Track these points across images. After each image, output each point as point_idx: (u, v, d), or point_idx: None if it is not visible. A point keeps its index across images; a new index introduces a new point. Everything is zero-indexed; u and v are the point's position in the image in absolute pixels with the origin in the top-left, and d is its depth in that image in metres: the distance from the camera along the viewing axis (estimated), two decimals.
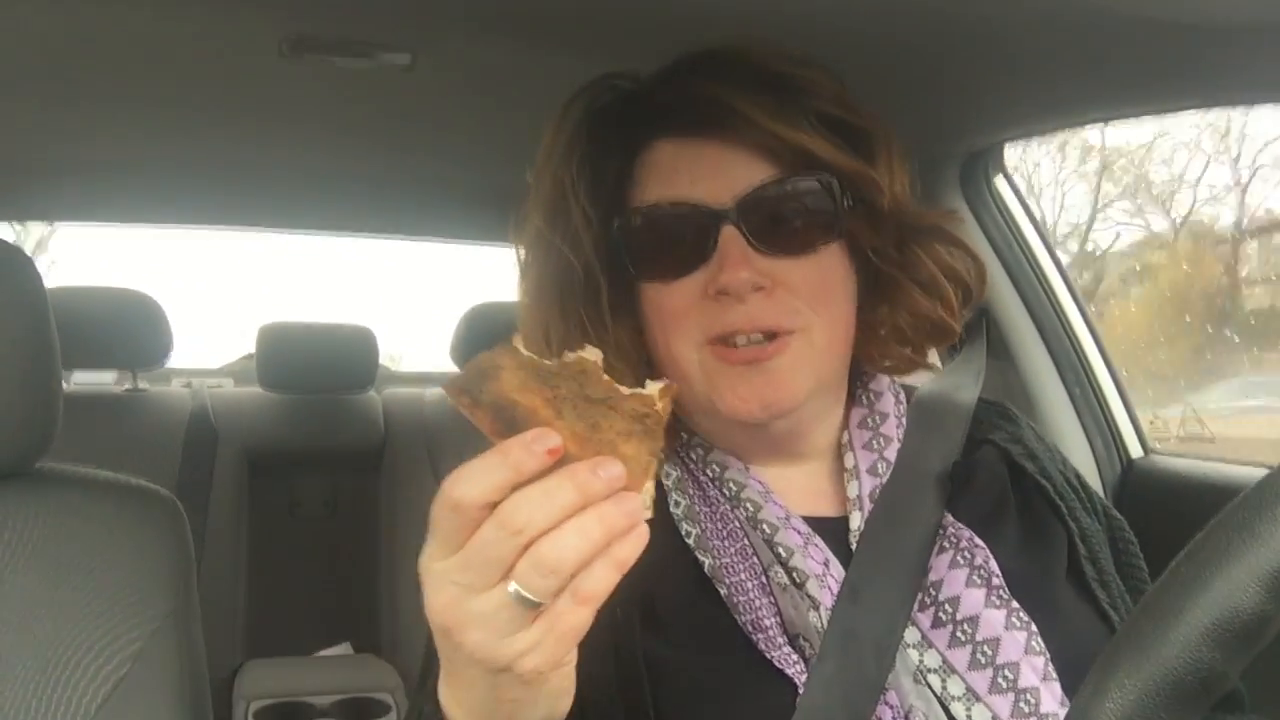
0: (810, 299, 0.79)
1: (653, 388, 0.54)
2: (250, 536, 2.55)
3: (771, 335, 0.78)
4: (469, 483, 0.51)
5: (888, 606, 0.76)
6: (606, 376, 0.54)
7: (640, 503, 0.52)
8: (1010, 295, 1.52)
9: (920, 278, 0.86)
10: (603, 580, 0.51)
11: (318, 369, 2.63)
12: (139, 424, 2.44)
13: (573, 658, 0.54)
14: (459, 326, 2.62)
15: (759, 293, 0.77)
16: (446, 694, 0.58)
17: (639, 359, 0.83)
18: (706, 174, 0.80)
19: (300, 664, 2.47)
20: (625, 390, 0.53)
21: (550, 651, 0.52)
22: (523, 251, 0.88)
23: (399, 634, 2.48)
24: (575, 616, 0.51)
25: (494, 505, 0.51)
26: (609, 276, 0.82)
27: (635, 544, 0.52)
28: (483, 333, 2.60)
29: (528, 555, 0.50)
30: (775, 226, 0.79)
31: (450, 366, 2.72)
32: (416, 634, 2.57)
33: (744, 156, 0.80)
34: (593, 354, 0.54)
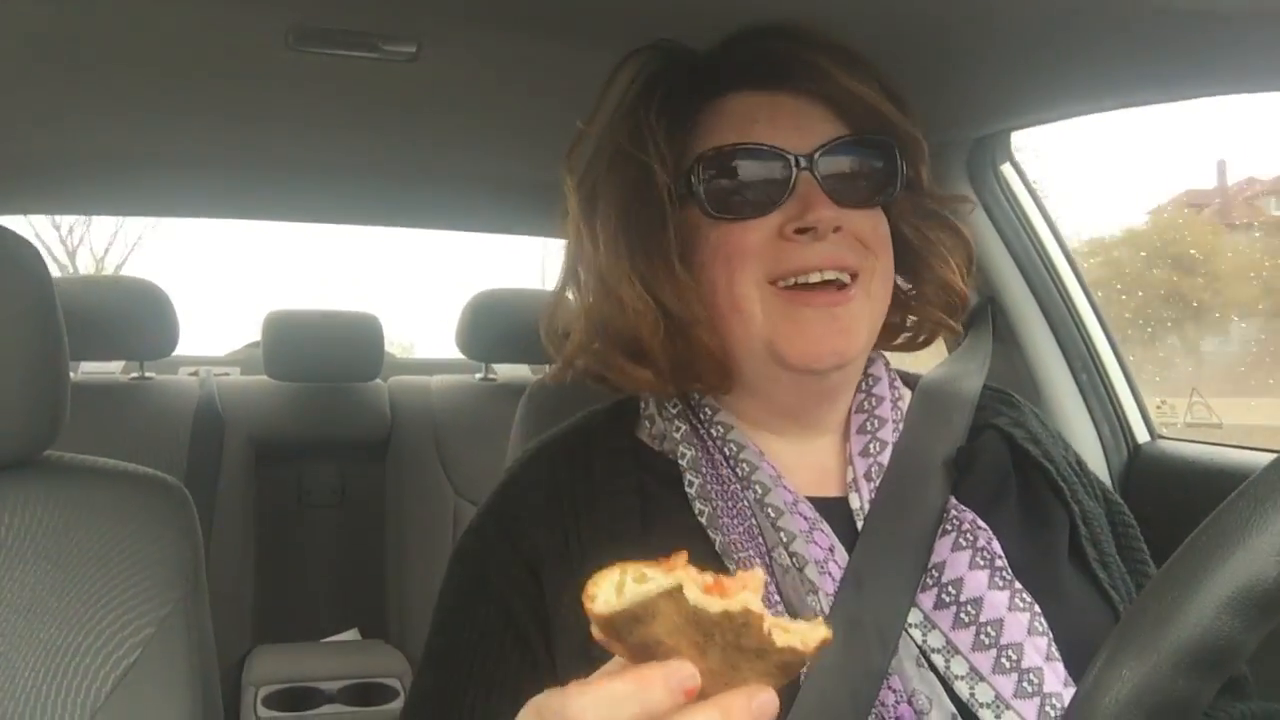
0: (875, 246, 0.84)
1: (810, 637, 0.48)
2: (258, 524, 2.57)
3: (848, 275, 0.82)
4: (595, 711, 0.46)
5: (891, 593, 0.77)
6: (766, 627, 0.47)
7: (769, 700, 0.48)
8: (1017, 282, 1.51)
9: (938, 251, 0.91)
10: None
11: (324, 357, 2.64)
12: (146, 413, 2.45)
13: None
14: (464, 314, 2.62)
15: (837, 233, 0.81)
16: None
17: (699, 303, 0.84)
18: (785, 123, 0.84)
19: (308, 649, 2.48)
20: (779, 643, 0.47)
21: None
22: (584, 196, 0.88)
23: (406, 620, 2.49)
24: None
25: None
26: (677, 217, 0.84)
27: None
28: (487, 320, 2.60)
29: None
30: (847, 177, 0.83)
31: (456, 354, 2.73)
32: (423, 620, 2.59)
33: (819, 110, 0.85)
34: (754, 594, 0.48)
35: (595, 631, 0.48)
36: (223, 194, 2.11)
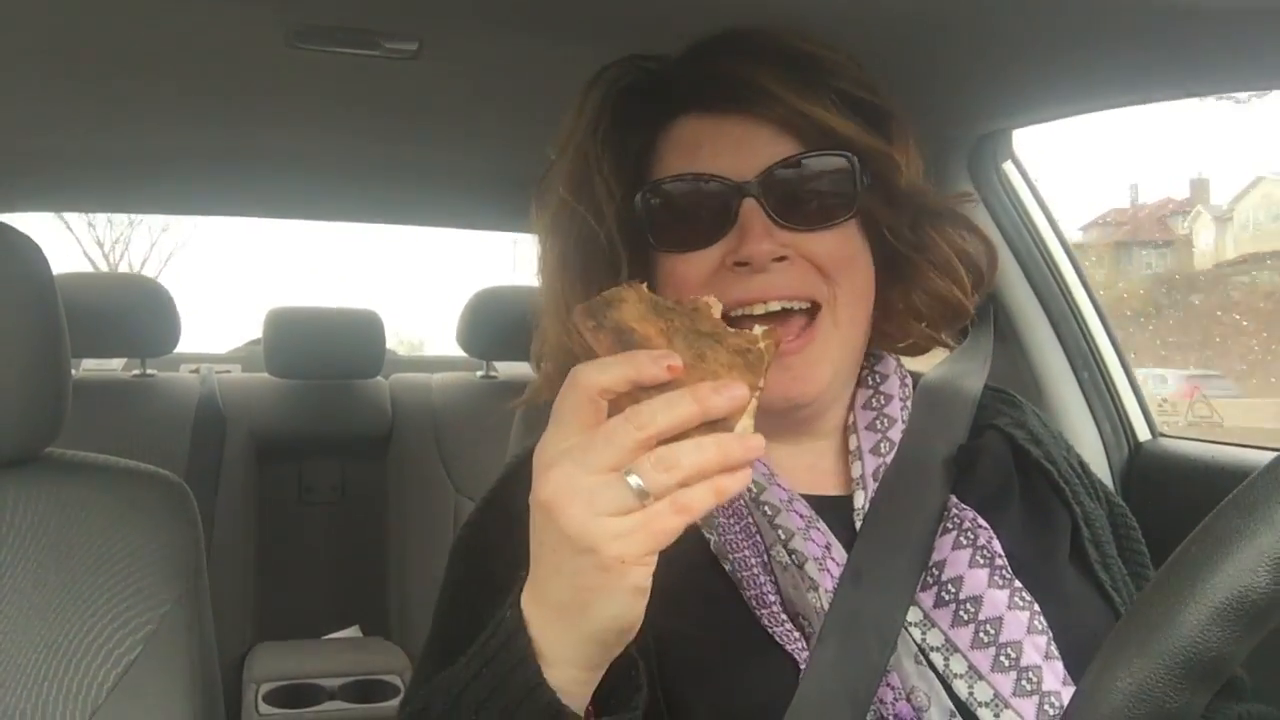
0: (831, 270, 0.81)
1: (758, 330, 0.60)
2: (259, 521, 2.57)
3: (805, 303, 0.80)
4: (599, 370, 0.57)
5: (891, 590, 0.76)
6: (716, 316, 0.60)
7: (757, 443, 0.57)
8: (1018, 280, 1.51)
9: (935, 259, 0.88)
10: (703, 500, 0.56)
11: (325, 354, 2.64)
12: (148, 410, 2.45)
13: (652, 562, 0.57)
14: (465, 311, 2.62)
15: (780, 263, 0.79)
16: (527, 594, 0.62)
17: None
18: (729, 148, 0.81)
19: (309, 646, 2.49)
20: (731, 330, 0.59)
21: (638, 543, 0.56)
22: (542, 228, 0.89)
23: (406, 617, 2.49)
24: (669, 521, 0.55)
25: (613, 397, 0.57)
26: (629, 250, 0.84)
27: (739, 481, 0.56)
28: (488, 317, 2.60)
29: (649, 453, 0.55)
30: (795, 200, 0.80)
31: (458, 351, 2.73)
32: (424, 617, 2.58)
33: (767, 132, 0.82)
34: (708, 298, 0.61)
35: (584, 332, 0.60)
36: (225, 192, 2.11)
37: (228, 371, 2.97)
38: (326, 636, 2.59)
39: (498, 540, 0.85)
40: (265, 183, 2.03)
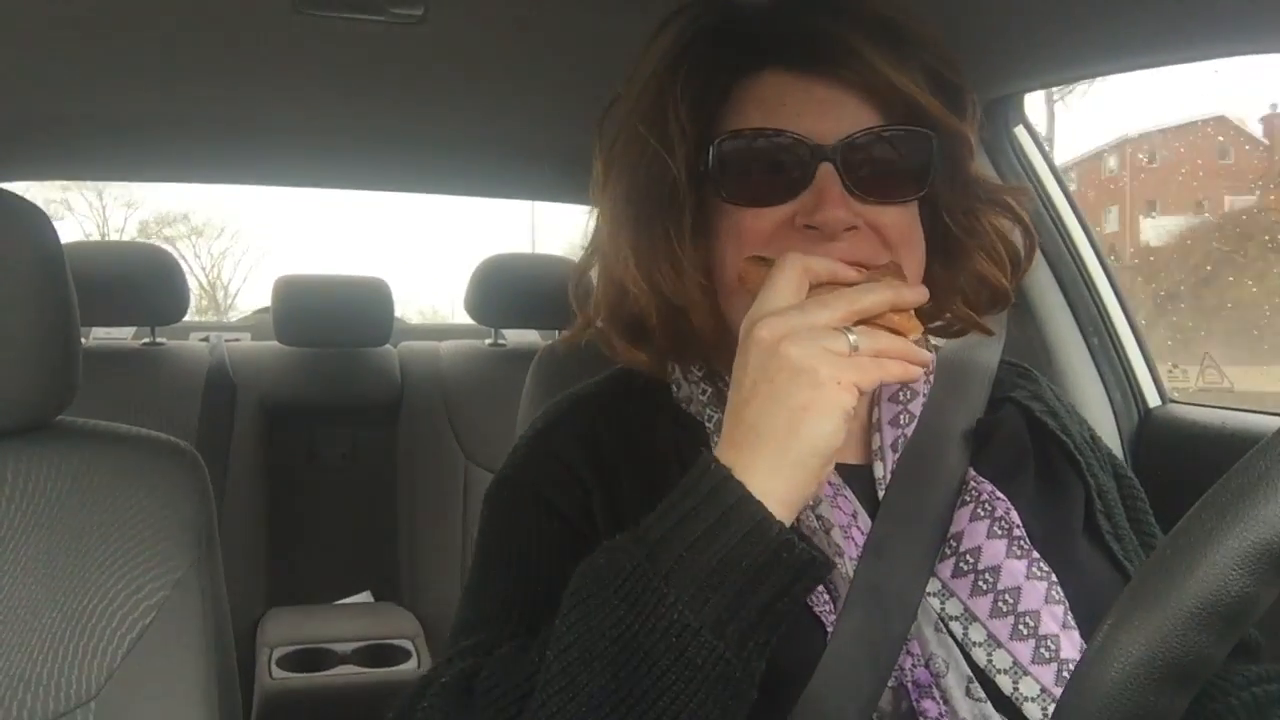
0: (897, 243, 0.80)
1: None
2: (271, 488, 2.59)
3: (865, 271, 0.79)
4: (815, 260, 0.70)
5: (911, 562, 0.77)
6: None
7: (925, 355, 0.71)
8: None
9: (984, 244, 0.88)
10: (894, 369, 0.68)
11: (333, 322, 2.64)
12: (158, 378, 2.46)
13: (856, 394, 0.66)
14: (473, 279, 2.62)
15: (849, 231, 0.78)
16: (725, 446, 0.68)
17: (696, 287, 0.82)
18: (813, 110, 0.80)
19: (322, 611, 2.51)
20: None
21: (850, 370, 0.65)
22: (606, 161, 0.87)
23: (417, 583, 2.52)
24: (871, 370, 0.66)
25: (814, 280, 0.69)
26: (693, 197, 0.82)
27: (915, 372, 0.69)
28: (496, 285, 2.60)
29: (864, 328, 0.68)
30: (872, 172, 0.79)
31: (465, 319, 2.73)
32: (435, 583, 2.61)
33: (853, 99, 0.80)
34: None
35: (754, 271, 0.74)
36: (229, 159, 2.10)
37: (237, 340, 2.98)
38: (338, 602, 2.61)
39: (543, 471, 0.85)
40: (270, 149, 2.02)
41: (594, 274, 0.92)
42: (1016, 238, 0.90)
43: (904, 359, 0.68)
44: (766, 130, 0.80)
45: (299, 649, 2.26)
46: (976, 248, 0.88)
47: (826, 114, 0.79)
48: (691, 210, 0.82)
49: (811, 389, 0.64)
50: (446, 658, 0.79)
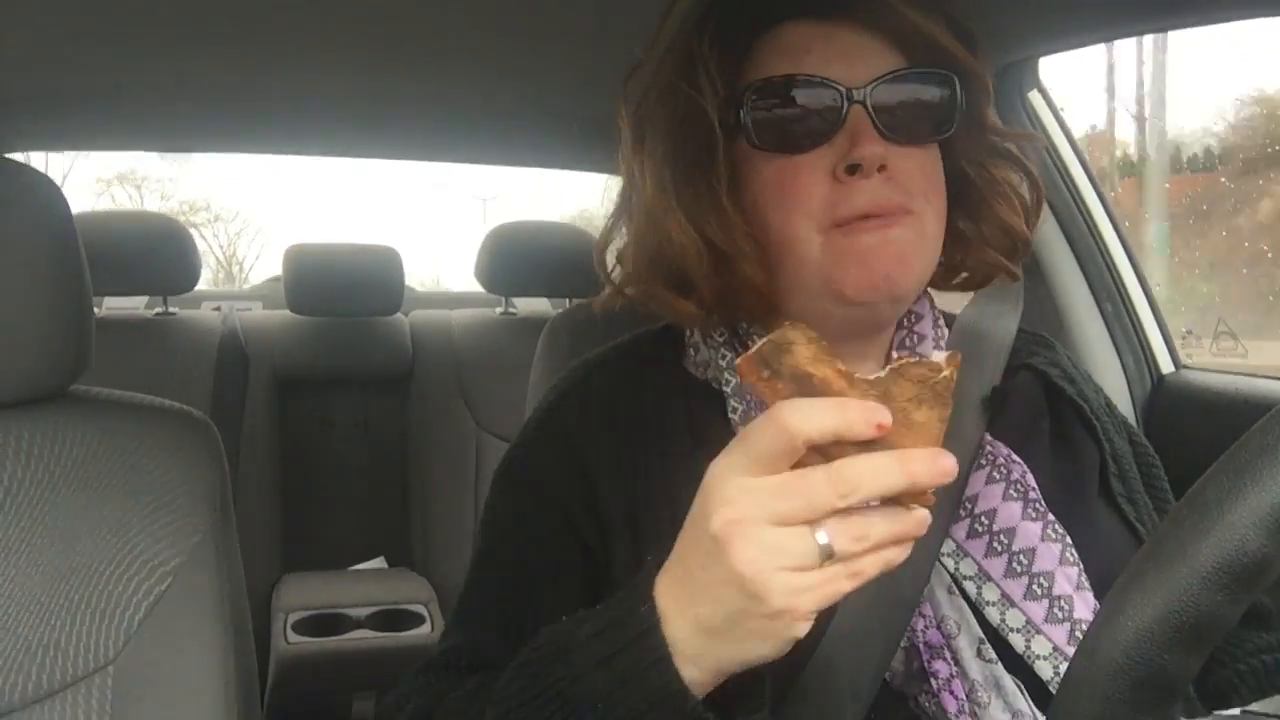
0: (923, 188, 0.81)
1: (939, 356, 0.56)
2: (284, 456, 2.60)
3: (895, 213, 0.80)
4: (806, 418, 0.54)
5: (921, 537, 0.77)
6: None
7: (925, 516, 0.56)
8: (1043, 211, 1.49)
9: (1003, 192, 0.89)
10: (874, 569, 0.56)
11: (345, 291, 2.65)
12: (171, 348, 2.47)
13: (814, 616, 0.56)
14: (483, 247, 2.62)
15: (881, 174, 0.78)
16: (666, 587, 0.60)
17: (744, 238, 0.82)
18: (838, 55, 0.80)
19: (336, 577, 2.54)
20: (911, 358, 0.56)
21: (809, 601, 0.55)
22: (636, 119, 0.87)
23: (430, 549, 2.54)
24: (842, 585, 0.55)
25: (814, 445, 0.55)
26: (730, 151, 0.83)
27: (904, 553, 0.57)
28: (507, 253, 2.60)
29: (845, 517, 0.54)
30: (900, 114, 0.80)
31: (475, 287, 2.73)
32: (447, 549, 2.62)
33: (877, 44, 0.81)
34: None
35: (755, 383, 0.56)
36: (238, 127, 2.09)
37: (249, 309, 2.99)
38: (352, 567, 2.64)
39: (552, 456, 0.86)
40: (280, 118, 2.02)
41: (615, 247, 0.93)
42: (1025, 190, 0.91)
43: (900, 539, 0.56)
44: (797, 76, 0.80)
45: (314, 614, 2.29)
46: (996, 196, 0.88)
47: (852, 59, 0.80)
48: (729, 164, 0.82)
49: (761, 618, 0.55)
50: (425, 663, 0.84)
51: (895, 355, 0.54)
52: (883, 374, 0.55)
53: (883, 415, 0.54)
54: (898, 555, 0.56)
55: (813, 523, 0.54)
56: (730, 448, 0.57)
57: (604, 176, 2.36)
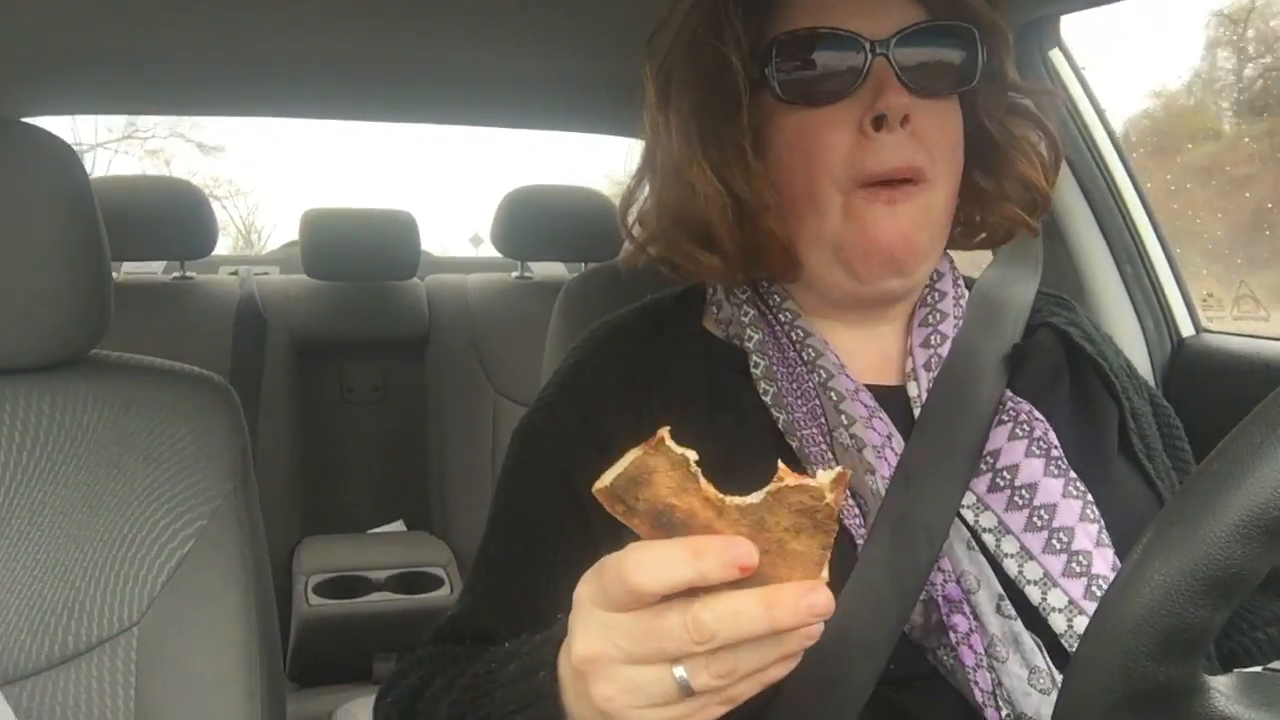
0: (943, 147, 0.82)
1: (823, 478, 0.49)
2: (304, 421, 2.62)
3: (911, 179, 0.80)
4: (652, 574, 0.49)
5: (940, 491, 0.77)
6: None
7: (816, 630, 0.51)
8: (1064, 172, 1.47)
9: (1022, 147, 0.89)
10: (750, 692, 0.52)
11: (361, 255, 2.65)
12: (189, 312, 2.48)
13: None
14: (499, 210, 2.61)
15: (905, 127, 0.79)
16: (564, 666, 0.58)
17: (769, 191, 0.83)
18: (861, 9, 0.81)
19: (356, 540, 2.56)
20: (791, 481, 0.49)
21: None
22: (663, 75, 0.88)
23: (448, 513, 2.56)
24: (713, 711, 0.52)
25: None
26: (755, 105, 0.83)
27: (787, 669, 0.52)
28: (523, 217, 2.59)
29: (706, 657, 0.50)
30: (924, 65, 0.81)
31: (492, 252, 2.73)
32: (465, 513, 2.65)
33: None
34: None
35: (610, 509, 0.50)
36: (253, 91, 2.08)
37: (266, 274, 3.00)
38: (372, 531, 2.66)
39: (567, 426, 0.86)
40: (297, 80, 2.01)
41: (635, 209, 0.93)
42: (1044, 149, 0.91)
43: (780, 660, 0.52)
44: (820, 28, 0.81)
45: (334, 576, 2.31)
46: (1016, 152, 0.88)
47: (874, 11, 0.81)
48: (754, 118, 0.83)
49: None
50: (434, 631, 0.87)
51: (779, 476, 0.48)
52: (757, 500, 0.49)
53: (746, 554, 0.48)
54: (779, 672, 0.52)
55: (671, 662, 0.50)
56: (589, 575, 0.53)
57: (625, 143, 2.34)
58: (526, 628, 0.68)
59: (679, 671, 0.50)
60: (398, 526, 2.69)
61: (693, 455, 0.49)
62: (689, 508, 0.49)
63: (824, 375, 0.83)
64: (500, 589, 0.86)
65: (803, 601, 0.48)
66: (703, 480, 0.49)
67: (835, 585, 0.73)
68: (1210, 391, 1.39)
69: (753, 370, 0.85)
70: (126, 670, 0.94)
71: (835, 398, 0.81)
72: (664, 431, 0.49)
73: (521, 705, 0.61)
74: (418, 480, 2.68)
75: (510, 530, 0.88)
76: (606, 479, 0.49)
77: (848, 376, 0.83)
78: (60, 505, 0.97)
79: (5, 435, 0.98)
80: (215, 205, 2.62)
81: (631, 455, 0.49)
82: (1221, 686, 0.51)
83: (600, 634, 0.52)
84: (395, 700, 0.79)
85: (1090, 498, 0.79)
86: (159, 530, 0.98)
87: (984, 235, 0.93)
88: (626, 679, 0.51)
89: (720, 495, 0.49)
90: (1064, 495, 0.78)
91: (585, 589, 0.53)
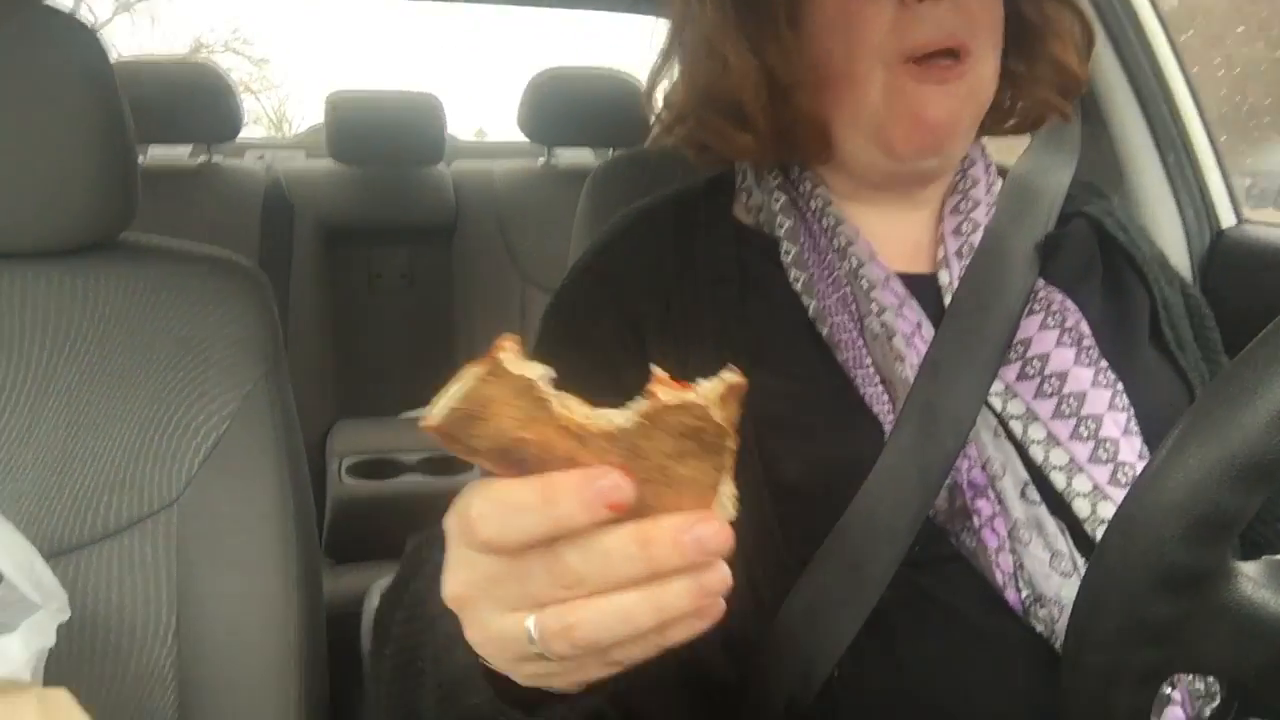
0: (984, 24, 0.79)
1: (707, 391, 0.39)
2: (333, 307, 2.64)
3: (955, 54, 0.77)
4: (497, 528, 0.40)
5: (968, 383, 0.77)
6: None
7: (722, 577, 0.41)
8: (1107, 55, 1.43)
9: (1058, 29, 0.86)
10: (636, 655, 0.42)
11: (386, 138, 2.63)
12: (216, 197, 2.48)
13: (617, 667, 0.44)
14: (525, 94, 2.57)
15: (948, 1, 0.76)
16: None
17: (805, 67, 0.81)
18: None
19: (388, 424, 2.61)
20: (667, 398, 0.39)
21: (559, 683, 0.46)
22: None
23: None
24: (588, 671, 0.44)
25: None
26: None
27: (694, 626, 0.42)
28: (550, 100, 2.55)
29: (560, 617, 0.40)
30: None
31: (519, 137, 2.69)
32: None
33: None
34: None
35: (448, 447, 0.41)
36: None
37: (291, 158, 2.98)
38: (403, 415, 2.71)
39: (600, 303, 0.86)
40: None
41: (660, 92, 0.91)
42: (1078, 34, 0.88)
43: (668, 630, 0.41)
44: None
45: (367, 458, 2.36)
46: (1050, 34, 0.86)
47: None
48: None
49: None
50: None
51: (652, 386, 0.38)
52: (627, 424, 0.39)
53: (612, 488, 0.38)
54: (683, 631, 0.42)
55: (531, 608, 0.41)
56: (456, 503, 0.43)
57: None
58: None
59: (529, 621, 0.41)
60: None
61: (538, 372, 0.39)
62: (543, 439, 0.39)
63: (855, 262, 0.82)
64: None
65: (685, 536, 0.39)
66: (556, 404, 0.39)
67: (861, 472, 0.74)
68: (1250, 282, 1.36)
69: (783, 257, 0.84)
70: (168, 546, 0.98)
71: (866, 285, 0.81)
72: (504, 343, 0.39)
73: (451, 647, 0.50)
74: (446, 367, 2.69)
75: None
76: (435, 415, 0.40)
77: (879, 264, 0.82)
78: (94, 385, 0.99)
79: (39, 318, 0.99)
80: (248, 98, 2.59)
81: (460, 384, 0.40)
82: (1250, 572, 0.51)
83: (465, 572, 0.43)
84: (384, 595, 0.71)
85: (1120, 386, 0.78)
86: (194, 412, 1.00)
87: (1015, 120, 0.91)
88: (494, 627, 0.43)
89: (581, 421, 0.39)
90: (1093, 384, 0.78)
91: (451, 520, 0.43)
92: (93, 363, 0.99)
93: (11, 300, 0.99)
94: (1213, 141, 1.46)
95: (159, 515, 0.98)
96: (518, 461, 0.40)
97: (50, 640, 0.76)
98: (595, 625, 0.40)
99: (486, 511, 0.40)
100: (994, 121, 0.90)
